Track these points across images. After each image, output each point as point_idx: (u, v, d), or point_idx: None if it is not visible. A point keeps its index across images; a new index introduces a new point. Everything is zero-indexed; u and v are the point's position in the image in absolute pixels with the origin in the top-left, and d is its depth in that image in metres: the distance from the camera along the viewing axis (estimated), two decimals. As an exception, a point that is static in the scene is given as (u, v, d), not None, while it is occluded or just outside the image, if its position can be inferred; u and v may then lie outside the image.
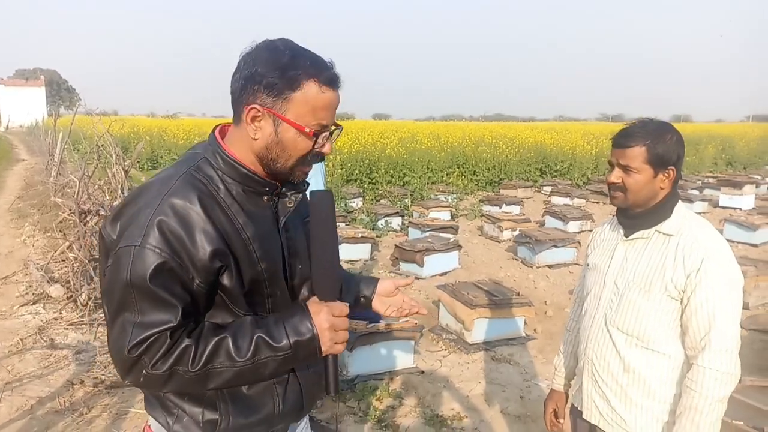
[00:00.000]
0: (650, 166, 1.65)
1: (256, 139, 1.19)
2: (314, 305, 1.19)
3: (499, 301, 4.71)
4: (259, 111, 1.16)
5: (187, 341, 1.11)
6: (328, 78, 1.17)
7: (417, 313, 1.56)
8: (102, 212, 5.90)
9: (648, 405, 1.69)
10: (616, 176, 1.71)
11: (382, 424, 3.37)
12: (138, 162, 19.13)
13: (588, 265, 1.93)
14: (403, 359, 4.11)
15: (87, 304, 4.93)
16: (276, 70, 1.14)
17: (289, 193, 1.29)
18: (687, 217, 1.70)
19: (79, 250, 5.31)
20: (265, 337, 1.14)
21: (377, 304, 1.52)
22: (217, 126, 1.30)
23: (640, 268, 1.69)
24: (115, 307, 1.11)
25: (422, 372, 4.11)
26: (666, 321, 1.65)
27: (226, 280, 1.17)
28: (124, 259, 1.09)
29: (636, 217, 1.73)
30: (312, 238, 1.21)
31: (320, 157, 1.26)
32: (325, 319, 1.17)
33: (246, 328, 1.15)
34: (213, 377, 1.12)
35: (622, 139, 1.70)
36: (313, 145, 1.20)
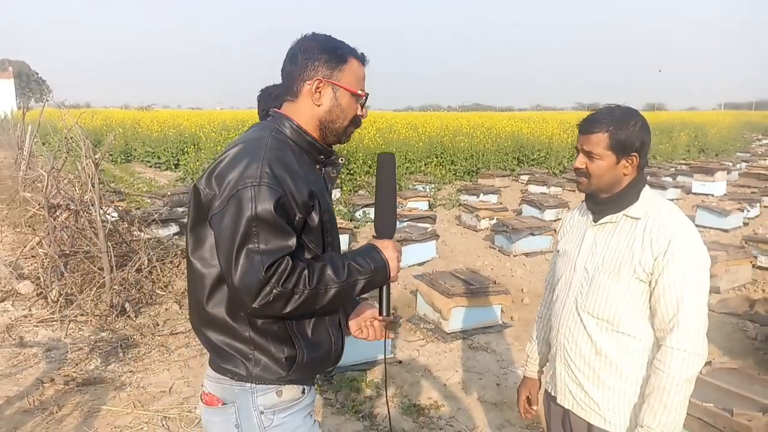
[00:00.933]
0: (612, 152, 1.66)
1: (319, 105, 1.46)
2: (380, 242, 1.48)
3: (475, 289, 4.73)
4: (322, 81, 1.45)
5: (301, 264, 1.32)
6: (362, 56, 1.52)
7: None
8: (72, 206, 5.76)
9: (620, 387, 1.71)
10: (580, 162, 1.73)
11: (360, 415, 3.36)
12: (110, 155, 18.79)
13: (558, 251, 1.94)
14: (381, 350, 4.10)
15: (58, 300, 4.82)
16: (329, 50, 1.46)
17: (333, 160, 1.55)
18: (654, 201, 1.71)
19: (49, 246, 5.18)
20: (354, 264, 1.39)
21: (352, 324, 1.66)
22: (271, 109, 1.55)
23: (609, 252, 1.70)
24: (238, 242, 1.28)
25: (400, 362, 4.12)
26: (635, 304, 1.67)
27: (314, 218, 1.41)
28: (246, 197, 1.29)
29: (603, 202, 1.74)
30: (378, 188, 1.54)
31: (360, 122, 1.54)
32: (393, 250, 1.47)
33: (337, 258, 1.40)
34: (321, 296, 1.33)
35: (586, 125, 1.71)
36: (357, 110, 1.50)
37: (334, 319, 1.52)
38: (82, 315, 4.66)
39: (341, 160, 1.58)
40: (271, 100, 3.13)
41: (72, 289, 4.90)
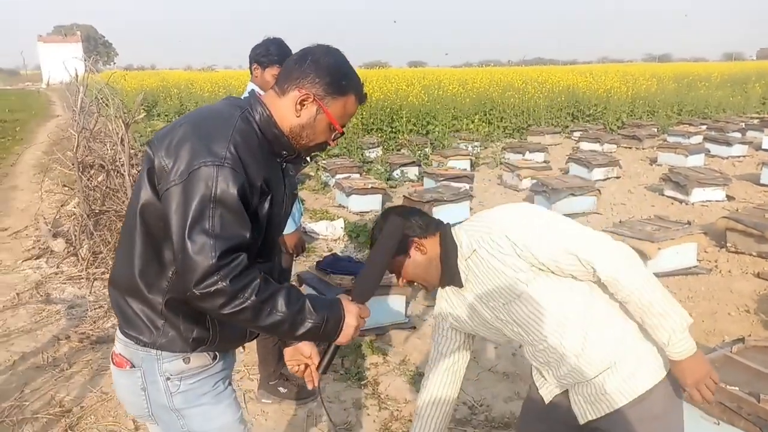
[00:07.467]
0: (398, 255, 1.68)
1: (298, 116, 1.41)
2: (348, 303, 1.40)
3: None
4: (311, 97, 1.39)
5: (255, 272, 1.24)
6: (363, 97, 1.48)
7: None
8: (105, 165, 5.86)
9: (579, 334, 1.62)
10: (401, 283, 1.79)
11: (362, 382, 3.26)
12: (166, 115, 19.27)
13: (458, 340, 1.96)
14: (394, 315, 3.97)
15: (87, 258, 4.95)
16: (336, 75, 1.40)
17: (297, 160, 1.50)
18: (466, 230, 1.69)
19: (78, 205, 5.30)
20: (310, 305, 1.30)
21: (288, 351, 1.58)
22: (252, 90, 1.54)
23: (494, 294, 1.66)
24: (191, 221, 1.20)
25: (414, 327, 3.98)
26: (555, 289, 1.60)
27: (264, 207, 1.35)
28: (205, 175, 1.21)
29: (448, 280, 1.74)
30: (373, 250, 1.52)
31: (325, 147, 1.52)
32: (354, 317, 1.38)
33: (296, 292, 1.32)
34: (262, 315, 1.24)
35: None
36: (329, 139, 1.46)
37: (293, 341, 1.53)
38: (107, 273, 4.76)
39: (305, 161, 1.56)
40: (260, 52, 2.97)
41: (100, 247, 5.01)
